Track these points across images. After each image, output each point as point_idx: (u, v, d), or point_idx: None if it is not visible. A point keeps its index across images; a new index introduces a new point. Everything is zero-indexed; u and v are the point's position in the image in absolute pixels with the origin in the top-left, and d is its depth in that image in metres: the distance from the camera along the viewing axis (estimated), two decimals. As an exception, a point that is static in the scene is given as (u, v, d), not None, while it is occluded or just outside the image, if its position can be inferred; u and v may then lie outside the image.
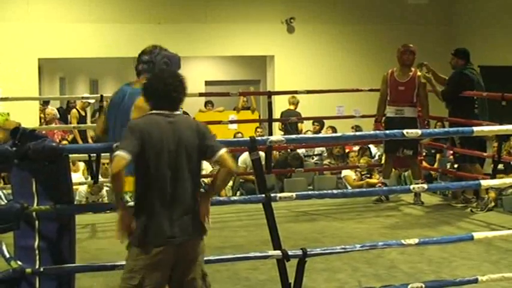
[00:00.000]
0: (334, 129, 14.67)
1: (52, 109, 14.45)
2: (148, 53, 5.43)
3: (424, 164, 11.18)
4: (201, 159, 4.51)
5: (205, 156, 4.49)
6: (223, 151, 4.48)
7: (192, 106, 15.02)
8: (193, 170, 4.44)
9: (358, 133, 9.30)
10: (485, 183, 6.10)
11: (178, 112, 4.49)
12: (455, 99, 9.48)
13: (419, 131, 5.79)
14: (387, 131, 6.54)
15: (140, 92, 4.73)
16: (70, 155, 5.12)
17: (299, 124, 15.10)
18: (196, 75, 19.85)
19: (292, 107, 15.21)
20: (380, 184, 10.36)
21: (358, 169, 12.00)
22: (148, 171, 4.33)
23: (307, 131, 14.92)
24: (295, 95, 14.53)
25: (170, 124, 4.39)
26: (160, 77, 4.51)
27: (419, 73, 9.64)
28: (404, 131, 5.59)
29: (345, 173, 12.31)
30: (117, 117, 5.31)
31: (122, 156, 4.23)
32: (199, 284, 4.49)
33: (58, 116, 14.57)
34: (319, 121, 14.82)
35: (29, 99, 13.46)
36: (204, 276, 4.55)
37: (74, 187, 5.78)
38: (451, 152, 10.75)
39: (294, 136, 8.84)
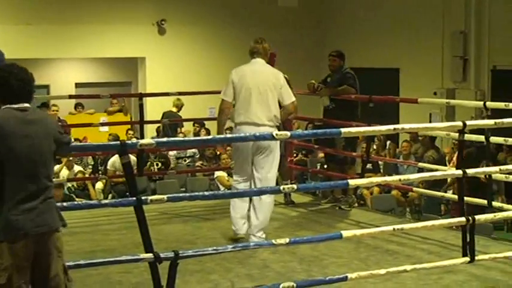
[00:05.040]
0: (208, 131, 14.74)
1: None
2: None
3: (295, 165, 11.35)
4: (55, 150, 4.48)
5: (58, 148, 4.49)
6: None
7: (62, 108, 14.76)
8: (48, 162, 4.40)
9: (228, 136, 9.32)
10: (353, 182, 6.22)
11: (29, 105, 4.42)
12: (338, 101, 9.52)
13: (288, 133, 5.85)
14: (258, 134, 6.58)
15: None
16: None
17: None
18: (66, 77, 19.53)
19: (174, 109, 15.19)
20: None
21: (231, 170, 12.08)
22: (4, 164, 4.23)
23: (180, 132, 14.90)
24: (180, 98, 14.55)
25: (25, 117, 4.32)
26: (12, 72, 4.41)
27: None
28: (274, 133, 5.65)
29: (218, 173, 12.36)
30: None
31: None
32: (62, 278, 4.42)
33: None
34: (199, 122, 14.85)
35: None
36: (66, 270, 4.48)
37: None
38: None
39: (164, 139, 8.78)
